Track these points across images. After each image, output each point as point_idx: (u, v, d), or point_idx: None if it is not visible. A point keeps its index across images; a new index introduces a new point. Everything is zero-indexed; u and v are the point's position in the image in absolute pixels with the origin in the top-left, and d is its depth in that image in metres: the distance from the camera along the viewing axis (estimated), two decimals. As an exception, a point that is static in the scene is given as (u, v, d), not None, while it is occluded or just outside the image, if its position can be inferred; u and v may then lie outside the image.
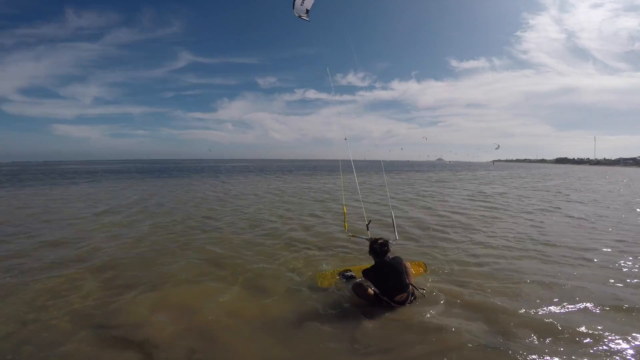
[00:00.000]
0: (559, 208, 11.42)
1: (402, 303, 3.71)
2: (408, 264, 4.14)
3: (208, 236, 7.43)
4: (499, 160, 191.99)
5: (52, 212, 10.63)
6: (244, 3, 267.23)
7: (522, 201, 13.25)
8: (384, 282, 3.76)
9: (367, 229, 4.88)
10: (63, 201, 13.42)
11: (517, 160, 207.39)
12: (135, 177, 31.04)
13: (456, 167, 76.24)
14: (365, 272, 3.94)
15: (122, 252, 6.18)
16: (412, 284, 3.85)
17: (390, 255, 3.94)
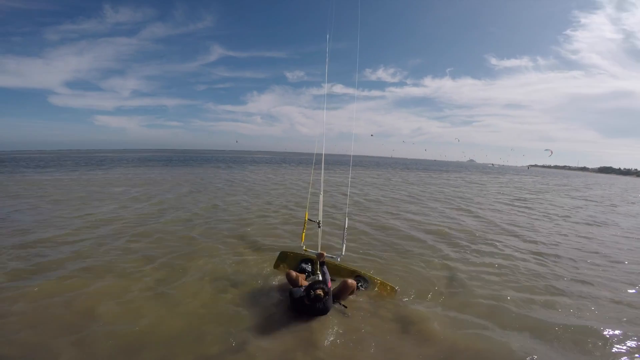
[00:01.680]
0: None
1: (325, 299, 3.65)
2: (348, 284, 4.00)
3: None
4: (535, 166, 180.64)
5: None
6: None
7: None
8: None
9: (319, 227, 4.65)
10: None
11: (556, 167, 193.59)
12: (154, 164, 32.91)
13: (493, 170, 72.44)
14: (290, 292, 3.82)
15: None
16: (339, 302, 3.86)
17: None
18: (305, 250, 4.70)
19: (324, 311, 3.59)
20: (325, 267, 4.02)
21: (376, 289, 4.22)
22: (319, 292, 3.50)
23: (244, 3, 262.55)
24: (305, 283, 4.02)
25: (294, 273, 4.18)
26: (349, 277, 4.26)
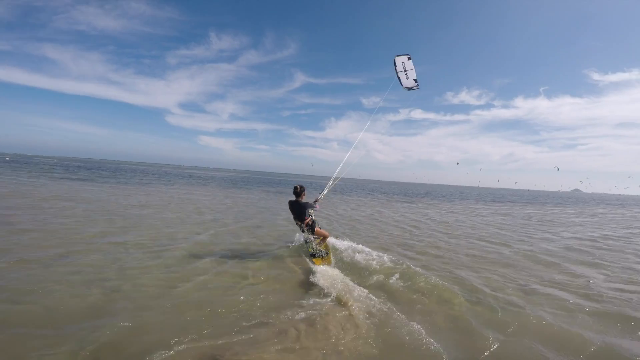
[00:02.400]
0: None
1: (309, 230, 6.94)
2: (322, 233, 7.10)
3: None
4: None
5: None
6: (349, 25, 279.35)
7: None
8: (292, 213, 7.10)
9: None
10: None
11: None
12: (234, 185, 33.03)
13: (612, 201, 58.21)
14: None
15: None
16: (308, 224, 6.89)
17: (303, 199, 6.90)
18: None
19: (300, 218, 6.92)
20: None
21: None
22: (297, 185, 6.98)
23: (323, 31, 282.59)
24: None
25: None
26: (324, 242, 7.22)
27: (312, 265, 6.58)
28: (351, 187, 58.96)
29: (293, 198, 7.01)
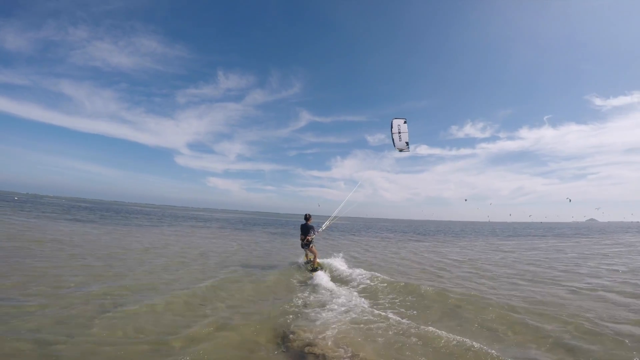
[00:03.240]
0: None
1: (306, 245, 10.44)
2: (314, 251, 10.56)
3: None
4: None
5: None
6: (349, 61, 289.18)
7: None
8: (300, 230, 10.67)
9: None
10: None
11: None
12: (237, 227, 31.85)
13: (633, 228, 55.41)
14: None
15: None
16: (308, 240, 10.34)
17: (313, 226, 10.45)
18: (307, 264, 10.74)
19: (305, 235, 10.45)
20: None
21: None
22: (307, 214, 10.66)
23: (326, 69, 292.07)
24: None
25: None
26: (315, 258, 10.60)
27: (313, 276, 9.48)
28: (359, 227, 57.41)
29: (303, 222, 10.77)
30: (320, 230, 11.11)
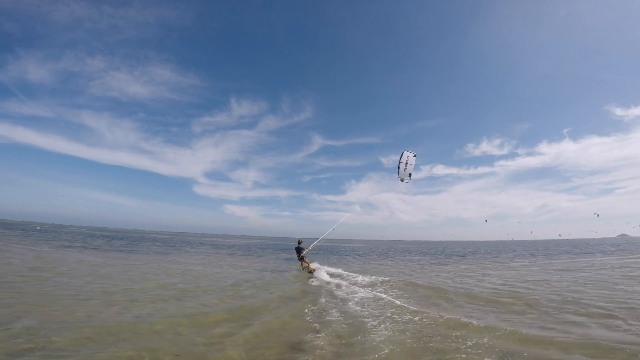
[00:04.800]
0: None
1: (301, 259, 16.56)
2: (306, 262, 16.41)
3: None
4: None
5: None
6: (360, 83, 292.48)
7: None
8: (296, 251, 17.00)
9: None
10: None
11: None
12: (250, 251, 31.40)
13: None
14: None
15: None
16: (301, 256, 16.58)
17: (303, 247, 16.58)
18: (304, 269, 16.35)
19: (298, 255, 16.75)
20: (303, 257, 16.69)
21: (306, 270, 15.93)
22: (299, 241, 17.03)
23: (336, 92, 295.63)
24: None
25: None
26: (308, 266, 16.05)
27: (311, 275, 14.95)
28: (381, 249, 55.85)
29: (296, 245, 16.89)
30: (307, 249, 16.91)
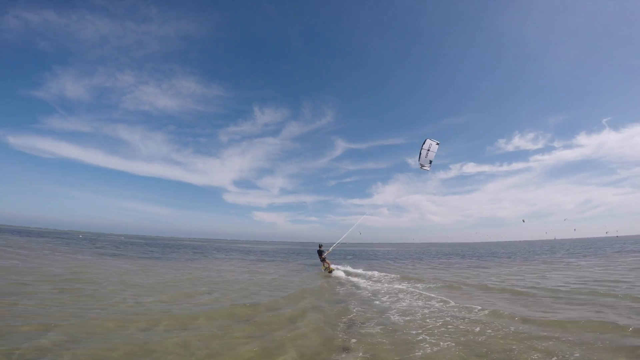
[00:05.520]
0: None
1: (323, 260, 19.09)
2: (325, 257, 19.19)
3: None
4: None
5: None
6: (383, 85, 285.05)
7: None
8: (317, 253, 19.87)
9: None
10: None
11: None
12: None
13: None
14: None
15: None
16: (323, 257, 19.16)
17: (324, 250, 19.48)
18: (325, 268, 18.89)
19: (321, 258, 19.31)
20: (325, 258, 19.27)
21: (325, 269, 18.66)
22: (320, 244, 19.88)
23: (357, 95, 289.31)
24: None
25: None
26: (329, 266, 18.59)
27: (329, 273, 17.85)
28: (414, 252, 53.78)
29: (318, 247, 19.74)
30: (328, 251, 19.61)
